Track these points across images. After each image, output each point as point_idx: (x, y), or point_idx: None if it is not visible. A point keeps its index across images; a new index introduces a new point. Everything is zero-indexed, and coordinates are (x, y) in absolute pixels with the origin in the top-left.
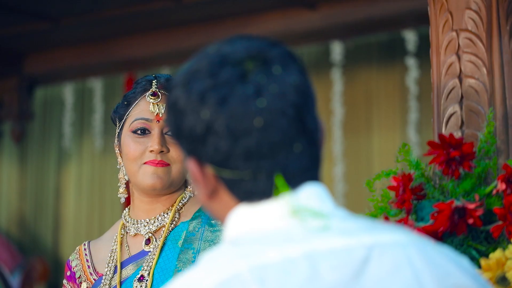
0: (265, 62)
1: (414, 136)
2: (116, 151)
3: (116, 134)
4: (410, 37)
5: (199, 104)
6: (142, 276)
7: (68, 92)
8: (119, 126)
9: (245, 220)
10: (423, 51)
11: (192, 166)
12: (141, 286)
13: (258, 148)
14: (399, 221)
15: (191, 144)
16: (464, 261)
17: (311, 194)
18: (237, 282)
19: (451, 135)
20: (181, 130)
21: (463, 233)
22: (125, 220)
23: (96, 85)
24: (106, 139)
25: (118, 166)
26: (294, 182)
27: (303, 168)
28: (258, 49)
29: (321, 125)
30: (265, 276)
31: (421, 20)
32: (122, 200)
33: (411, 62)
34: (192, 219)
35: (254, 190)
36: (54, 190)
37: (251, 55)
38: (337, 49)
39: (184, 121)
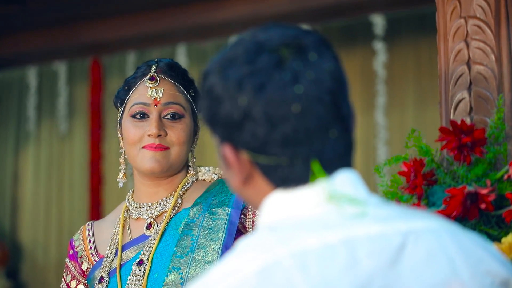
0: (300, 49)
1: (382, 120)
2: (118, 136)
3: (118, 119)
4: (378, 21)
5: (236, 91)
6: (141, 260)
7: (32, 75)
8: (120, 111)
9: (282, 206)
10: (391, 35)
11: (227, 151)
12: (139, 270)
13: (295, 134)
14: (411, 206)
15: (227, 130)
16: (493, 248)
17: (346, 180)
18: (279, 269)
19: (462, 121)
20: (216, 117)
21: (475, 218)
22: (128, 203)
23: (61, 68)
24: (70, 123)
25: (120, 150)
26: (329, 168)
27: (338, 154)
28: (293, 36)
29: (353, 111)
30: (306, 262)
31: (389, 4)
32: (120, 185)
33: (379, 46)
34: (193, 205)
35: (291, 176)
36: (12, 174)
37: (286, 42)
38: None
39: (221, 107)
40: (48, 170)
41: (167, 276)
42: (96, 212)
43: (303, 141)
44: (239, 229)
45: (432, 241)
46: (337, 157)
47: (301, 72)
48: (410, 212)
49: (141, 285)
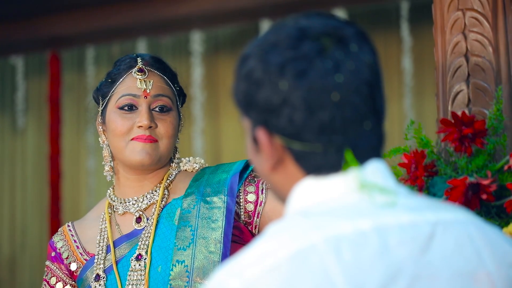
0: (341, 39)
1: None
2: (99, 129)
3: (100, 112)
4: (340, 16)
5: (278, 75)
6: (139, 255)
7: None
8: (102, 104)
9: (313, 192)
10: None
11: (261, 135)
12: (139, 265)
13: (331, 123)
14: None
15: (263, 114)
16: None
17: (376, 170)
18: (313, 253)
19: (463, 113)
20: (254, 100)
21: (476, 208)
22: (111, 199)
23: (18, 62)
24: (26, 118)
25: (101, 145)
26: (362, 158)
27: (371, 145)
28: (334, 26)
29: (386, 105)
30: (340, 247)
31: None
32: (109, 178)
33: None
34: (186, 196)
35: (323, 164)
36: None
37: (328, 31)
38: (266, 28)
39: (260, 91)
40: (0, 165)
41: (172, 270)
42: (56, 207)
43: (339, 130)
44: (234, 217)
45: (460, 232)
46: (370, 149)
47: (342, 62)
48: (438, 203)
49: (143, 280)
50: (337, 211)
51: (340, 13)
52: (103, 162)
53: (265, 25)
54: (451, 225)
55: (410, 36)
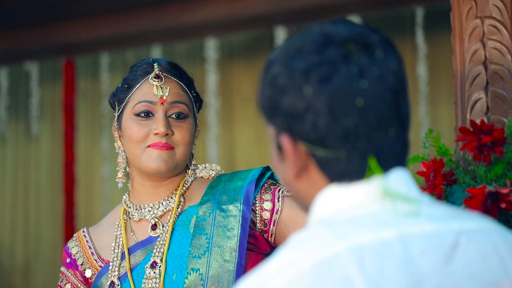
0: (366, 46)
1: None
2: (115, 135)
3: (116, 118)
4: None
5: (302, 81)
6: (154, 262)
7: (3, 76)
8: (118, 110)
9: (336, 200)
10: None
11: (285, 142)
12: (154, 272)
13: (356, 129)
14: None
15: (288, 121)
16: None
17: (400, 178)
18: (336, 263)
19: (482, 121)
20: (279, 106)
21: (495, 217)
22: (127, 205)
23: (33, 69)
24: (40, 124)
25: (117, 150)
26: (386, 166)
27: (395, 153)
28: (360, 33)
29: (411, 112)
30: (363, 257)
31: (365, 5)
32: (120, 185)
33: None
34: (201, 203)
35: (347, 171)
36: None
37: (354, 38)
38: (281, 35)
39: (284, 97)
40: (15, 172)
41: (187, 278)
42: (70, 214)
43: (363, 136)
44: (249, 225)
45: (484, 241)
46: (394, 156)
47: (367, 68)
48: (461, 212)
49: (158, 287)
50: (360, 220)
51: (355, 20)
52: (117, 168)
53: (279, 32)
54: (475, 234)
55: (425, 43)
